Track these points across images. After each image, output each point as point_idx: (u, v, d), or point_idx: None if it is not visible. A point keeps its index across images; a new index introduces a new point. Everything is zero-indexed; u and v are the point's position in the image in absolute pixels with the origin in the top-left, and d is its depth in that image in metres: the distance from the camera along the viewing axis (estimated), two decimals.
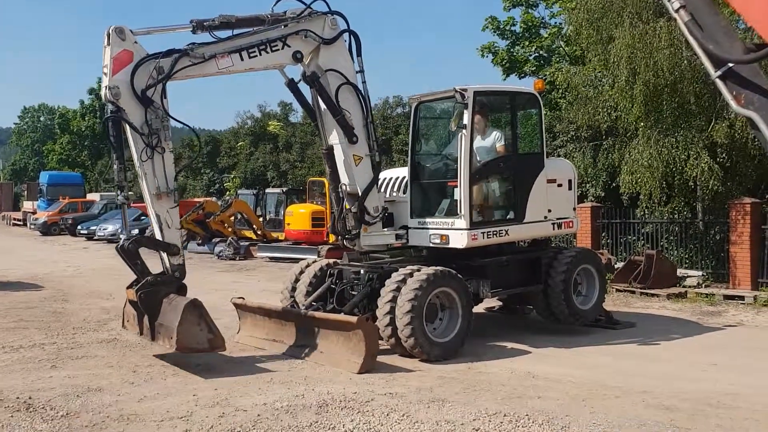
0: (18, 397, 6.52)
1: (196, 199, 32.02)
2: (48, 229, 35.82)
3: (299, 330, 8.49)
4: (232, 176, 38.48)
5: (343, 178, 9.03)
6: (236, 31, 8.21)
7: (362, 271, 9.01)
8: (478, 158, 9.22)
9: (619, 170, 15.78)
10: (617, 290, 13.92)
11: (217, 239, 23.95)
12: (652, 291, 13.50)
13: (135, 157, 7.73)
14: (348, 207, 9.03)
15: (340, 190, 9.04)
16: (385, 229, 9.33)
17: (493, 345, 9.09)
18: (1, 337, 9.50)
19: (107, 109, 7.74)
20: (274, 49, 8.31)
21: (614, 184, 16.43)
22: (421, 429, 5.66)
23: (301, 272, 9.84)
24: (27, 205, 47.04)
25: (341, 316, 8.13)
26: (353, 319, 7.69)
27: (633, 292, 13.73)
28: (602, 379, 7.36)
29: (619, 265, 14.88)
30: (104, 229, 30.06)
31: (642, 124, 14.94)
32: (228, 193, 35.90)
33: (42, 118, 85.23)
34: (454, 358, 8.24)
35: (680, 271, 14.58)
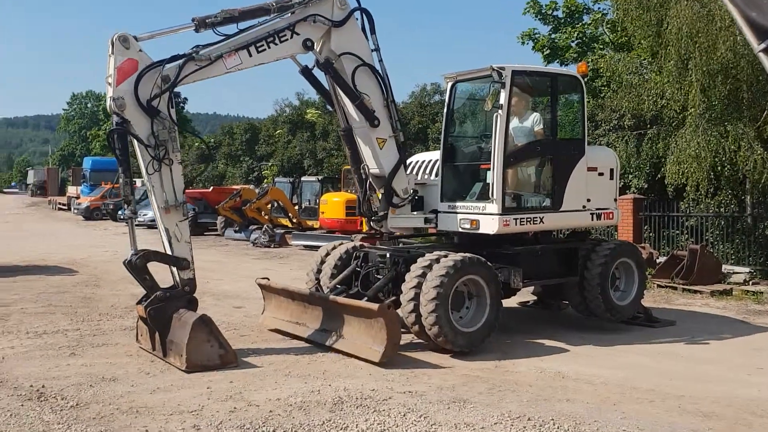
0: (32, 385, 6.43)
1: (234, 187, 32.25)
2: (90, 214, 36.41)
3: (322, 314, 8.30)
4: (270, 164, 38.60)
5: (366, 159, 8.72)
6: (241, 25, 7.83)
7: (388, 255, 8.72)
8: (514, 141, 8.83)
9: (663, 161, 15.16)
10: (658, 286, 13.36)
11: (254, 226, 24.03)
12: (695, 287, 12.90)
13: (142, 169, 7.50)
14: (375, 188, 8.75)
15: (362, 171, 8.76)
16: (414, 213, 9.03)
17: (524, 341, 8.72)
18: (28, 322, 9.51)
19: (112, 121, 7.47)
20: (282, 39, 7.91)
21: (658, 176, 15.77)
22: None
23: (327, 254, 9.63)
24: (71, 190, 48.02)
25: (363, 303, 7.85)
26: (374, 306, 7.40)
27: (675, 289, 13.16)
28: (637, 381, 6.94)
29: (661, 259, 14.30)
30: (144, 215, 30.34)
31: (691, 111, 14.26)
32: (266, 180, 36.03)
33: (89, 105, 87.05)
34: (480, 349, 7.91)
35: (726, 267, 13.90)
